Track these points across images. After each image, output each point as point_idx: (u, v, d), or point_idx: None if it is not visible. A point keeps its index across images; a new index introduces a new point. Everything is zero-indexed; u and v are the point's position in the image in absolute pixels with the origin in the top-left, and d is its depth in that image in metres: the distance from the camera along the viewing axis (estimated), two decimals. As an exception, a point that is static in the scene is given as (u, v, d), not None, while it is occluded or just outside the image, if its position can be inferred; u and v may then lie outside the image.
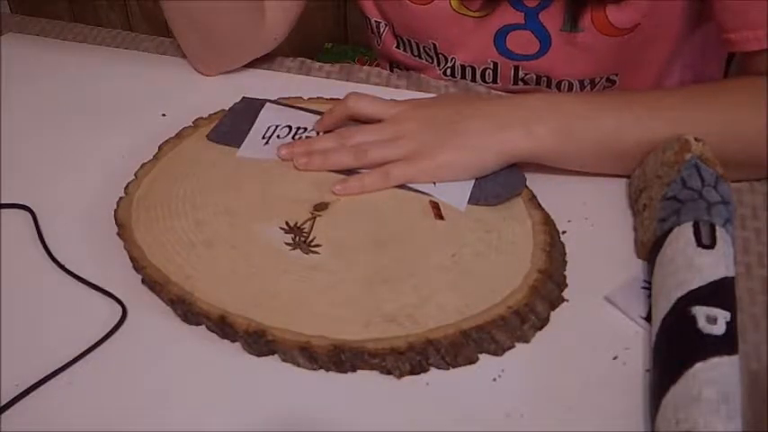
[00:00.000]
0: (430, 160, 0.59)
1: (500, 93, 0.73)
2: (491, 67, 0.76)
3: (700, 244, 0.49)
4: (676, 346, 0.46)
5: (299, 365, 0.48)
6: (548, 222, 0.57)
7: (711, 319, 0.45)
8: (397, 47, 0.82)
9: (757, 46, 0.60)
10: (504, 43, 0.73)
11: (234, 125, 0.67)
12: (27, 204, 0.60)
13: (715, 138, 0.56)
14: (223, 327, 0.49)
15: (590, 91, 0.63)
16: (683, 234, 0.50)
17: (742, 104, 0.59)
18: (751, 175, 0.60)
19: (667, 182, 0.54)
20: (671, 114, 0.59)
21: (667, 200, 0.54)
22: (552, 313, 0.51)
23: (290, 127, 0.67)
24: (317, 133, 0.65)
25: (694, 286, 0.47)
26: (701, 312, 0.46)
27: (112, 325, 0.51)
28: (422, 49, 0.80)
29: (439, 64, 0.79)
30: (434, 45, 0.77)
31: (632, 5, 0.67)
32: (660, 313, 0.48)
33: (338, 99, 0.71)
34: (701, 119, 0.58)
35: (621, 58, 0.72)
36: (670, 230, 0.51)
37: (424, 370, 0.48)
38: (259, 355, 0.49)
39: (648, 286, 0.52)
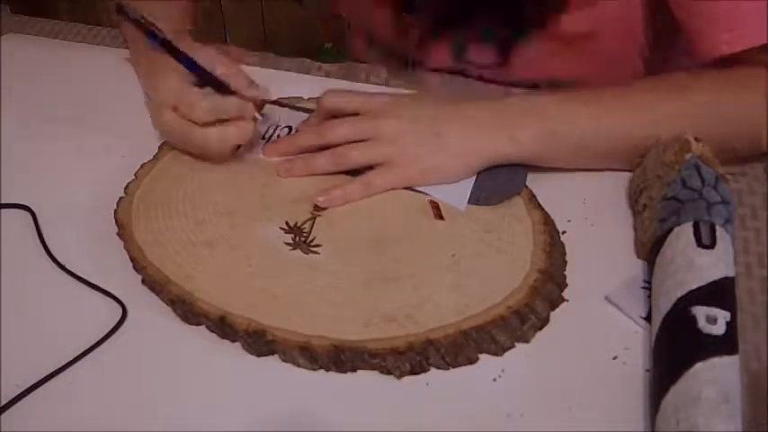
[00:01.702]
0: (411, 167, 0.59)
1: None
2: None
3: (700, 244, 0.49)
4: (676, 346, 0.46)
5: (299, 365, 0.48)
6: (548, 222, 0.57)
7: (711, 319, 0.45)
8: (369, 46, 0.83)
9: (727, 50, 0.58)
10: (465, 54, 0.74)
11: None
12: (27, 204, 0.60)
13: (693, 130, 0.57)
14: (223, 327, 0.49)
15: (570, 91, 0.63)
16: (683, 234, 0.50)
17: (717, 99, 0.59)
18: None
19: (667, 182, 0.54)
20: (649, 113, 0.60)
21: (667, 200, 0.53)
22: (552, 313, 0.51)
23: (290, 127, 0.67)
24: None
25: (694, 286, 0.47)
26: (701, 312, 0.46)
27: (112, 325, 0.51)
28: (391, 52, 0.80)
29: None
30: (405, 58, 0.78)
31: (578, 14, 0.67)
32: (660, 313, 0.48)
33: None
34: (679, 115, 0.59)
35: (583, 64, 0.71)
36: (670, 230, 0.51)
37: (424, 370, 0.48)
38: (259, 355, 0.49)
39: (648, 286, 0.52)
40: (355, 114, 0.62)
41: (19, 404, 0.46)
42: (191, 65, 0.59)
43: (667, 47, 0.69)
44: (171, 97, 0.59)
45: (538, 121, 0.59)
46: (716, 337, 0.45)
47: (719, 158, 0.56)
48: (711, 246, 0.49)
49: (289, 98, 0.71)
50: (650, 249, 0.53)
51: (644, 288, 0.53)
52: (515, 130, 0.59)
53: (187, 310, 0.51)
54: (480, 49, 0.72)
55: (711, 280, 0.47)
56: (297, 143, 0.63)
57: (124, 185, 0.60)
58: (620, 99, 0.61)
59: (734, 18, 0.57)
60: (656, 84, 0.62)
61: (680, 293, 0.47)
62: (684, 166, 0.54)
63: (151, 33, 0.60)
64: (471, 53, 0.73)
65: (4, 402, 0.46)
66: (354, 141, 0.60)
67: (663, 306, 0.48)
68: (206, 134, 0.59)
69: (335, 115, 0.63)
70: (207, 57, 0.60)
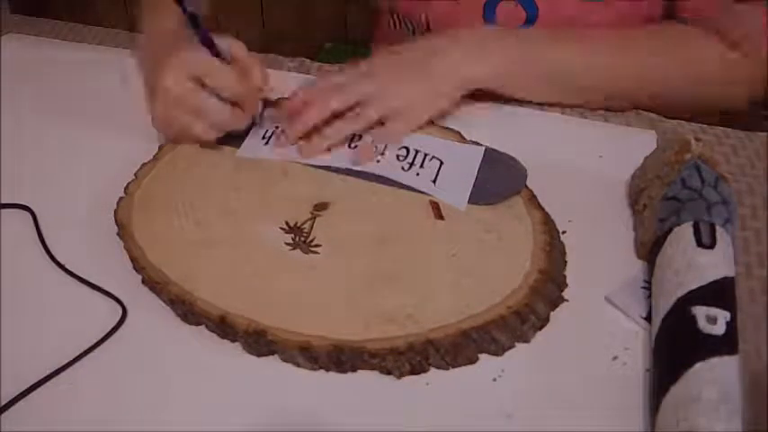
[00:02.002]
0: (396, 98, 0.63)
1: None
2: None
3: (700, 244, 0.49)
4: (676, 347, 0.46)
5: (298, 365, 0.48)
6: (548, 222, 0.57)
7: (711, 319, 0.45)
8: (393, 27, 0.85)
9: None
10: (493, 15, 0.74)
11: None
12: (27, 204, 0.60)
13: (673, 80, 0.64)
14: (223, 327, 0.49)
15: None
16: (683, 234, 0.50)
17: (702, 52, 0.65)
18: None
19: (667, 182, 0.54)
20: (632, 55, 0.64)
21: (667, 200, 0.53)
22: (552, 313, 0.51)
23: (290, 127, 0.67)
24: None
25: (694, 286, 0.47)
26: (701, 312, 0.46)
27: (112, 325, 0.51)
28: (415, 27, 0.81)
29: None
30: (427, 22, 0.79)
31: None
32: (660, 313, 0.48)
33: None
34: (661, 63, 0.64)
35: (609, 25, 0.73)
36: (670, 230, 0.51)
37: (424, 370, 0.48)
38: (259, 355, 0.49)
39: (648, 286, 0.52)
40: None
41: (19, 404, 0.46)
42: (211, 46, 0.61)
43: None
44: (196, 67, 0.59)
45: (511, 43, 0.64)
46: (716, 337, 0.45)
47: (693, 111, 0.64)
48: (711, 246, 0.49)
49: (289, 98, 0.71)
50: (650, 249, 0.53)
51: (644, 288, 0.53)
52: (488, 50, 0.64)
53: (187, 310, 0.51)
54: (508, 8, 0.74)
55: (711, 280, 0.47)
56: (308, 120, 0.63)
57: (124, 185, 0.60)
58: (601, 36, 0.65)
59: None
60: (645, 31, 0.67)
61: (680, 293, 0.47)
62: (684, 166, 0.54)
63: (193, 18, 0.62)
64: (500, 13, 0.74)
65: (4, 402, 0.46)
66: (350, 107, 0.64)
67: (663, 306, 0.48)
68: (223, 107, 0.61)
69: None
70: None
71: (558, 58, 0.65)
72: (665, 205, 0.53)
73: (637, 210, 0.58)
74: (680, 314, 0.46)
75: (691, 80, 0.67)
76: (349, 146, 0.63)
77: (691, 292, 0.47)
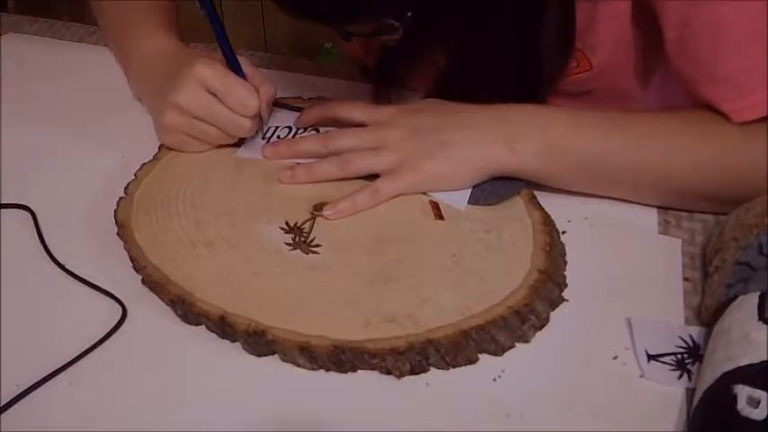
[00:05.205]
0: (415, 173, 0.59)
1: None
2: None
3: (762, 318, 0.44)
4: (710, 426, 0.42)
5: (299, 365, 0.48)
6: (548, 222, 0.57)
7: (754, 402, 0.40)
8: None
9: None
10: None
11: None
12: (27, 204, 0.60)
13: (705, 170, 0.56)
14: (223, 327, 0.49)
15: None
16: (747, 304, 0.45)
17: (738, 137, 0.56)
18: (732, 209, 0.54)
19: (743, 245, 0.50)
20: (661, 142, 0.57)
21: (739, 264, 0.49)
22: (552, 313, 0.52)
23: (290, 127, 0.67)
24: (299, 130, 0.67)
25: (744, 363, 0.42)
26: (743, 392, 0.41)
27: (112, 325, 0.51)
28: None
29: None
30: None
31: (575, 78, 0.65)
32: (704, 384, 0.44)
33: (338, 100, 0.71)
34: (693, 149, 0.56)
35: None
36: (735, 298, 0.47)
37: (424, 370, 0.48)
38: (259, 355, 0.49)
39: (687, 347, 0.49)
40: (359, 124, 0.62)
41: (19, 404, 0.46)
42: (227, 51, 0.62)
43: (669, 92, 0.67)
44: (209, 76, 0.60)
45: (540, 135, 0.58)
46: (754, 422, 0.39)
47: (730, 206, 0.53)
48: (774, 322, 0.44)
49: (288, 98, 0.71)
50: (713, 314, 0.49)
51: (679, 348, 0.49)
52: (516, 142, 0.58)
53: (187, 310, 0.51)
54: None
55: (764, 359, 0.42)
56: (298, 148, 0.63)
57: (124, 185, 0.60)
58: (633, 125, 0.58)
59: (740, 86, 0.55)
60: (676, 115, 0.59)
61: (726, 368, 0.43)
62: (764, 231, 0.49)
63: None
64: None
65: (4, 402, 0.46)
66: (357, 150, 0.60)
67: (708, 377, 0.44)
68: (233, 117, 0.61)
69: (335, 119, 0.64)
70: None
71: (596, 149, 0.57)
72: (736, 270, 0.49)
73: (708, 272, 0.53)
74: (721, 390, 0.42)
75: (721, 170, 0.56)
76: None
77: (738, 368, 0.42)
